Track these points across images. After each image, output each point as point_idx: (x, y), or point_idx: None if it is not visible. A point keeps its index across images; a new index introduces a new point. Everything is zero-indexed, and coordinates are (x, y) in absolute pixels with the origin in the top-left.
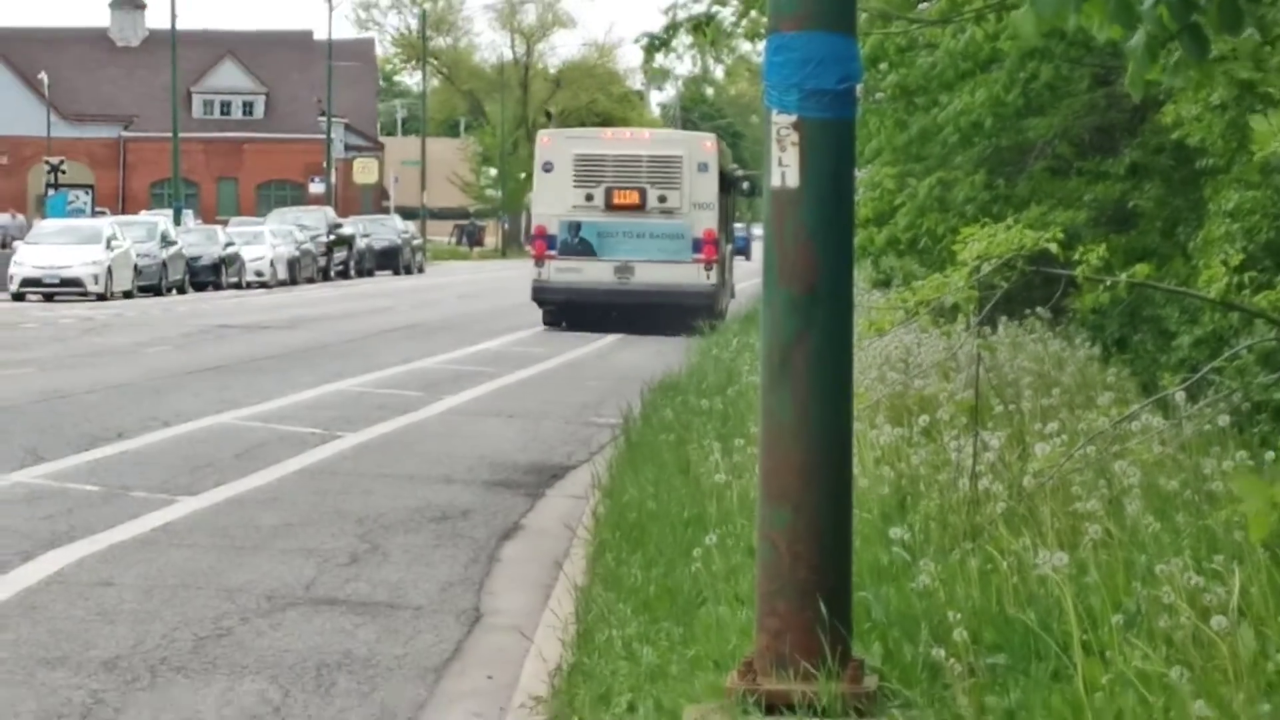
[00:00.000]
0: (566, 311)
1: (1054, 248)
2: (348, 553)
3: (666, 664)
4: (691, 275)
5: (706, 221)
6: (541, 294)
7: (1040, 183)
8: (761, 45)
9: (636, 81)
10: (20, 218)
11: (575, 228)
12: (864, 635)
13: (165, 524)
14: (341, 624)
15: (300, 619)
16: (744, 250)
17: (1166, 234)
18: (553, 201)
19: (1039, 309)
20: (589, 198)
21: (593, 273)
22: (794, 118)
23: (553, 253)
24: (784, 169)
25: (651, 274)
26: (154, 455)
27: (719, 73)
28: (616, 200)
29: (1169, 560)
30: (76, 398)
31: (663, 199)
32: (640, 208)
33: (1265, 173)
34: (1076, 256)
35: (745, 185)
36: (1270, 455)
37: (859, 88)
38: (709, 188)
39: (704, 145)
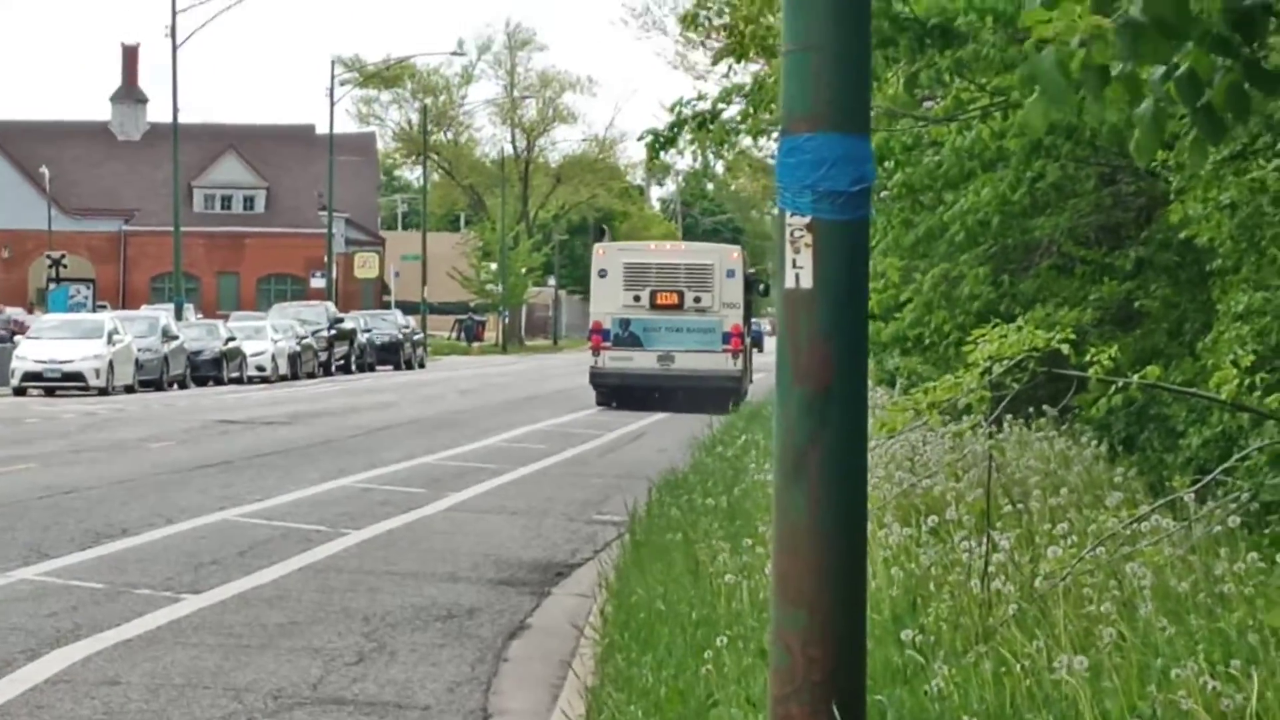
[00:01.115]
0: (618, 393)
1: (1065, 349)
2: (354, 651)
3: None
4: (722, 363)
5: (734, 318)
6: (597, 378)
7: (1046, 281)
8: (764, 142)
9: (637, 176)
10: (8, 310)
11: (625, 323)
12: None
13: (171, 622)
14: None
15: (308, 719)
16: (758, 342)
17: (1173, 334)
18: (606, 302)
19: (1045, 408)
20: (636, 299)
21: (640, 361)
22: (808, 219)
23: (607, 344)
24: (798, 270)
25: (689, 361)
26: (158, 552)
27: (719, 168)
28: (659, 301)
29: (1184, 664)
30: (80, 493)
31: (698, 299)
32: (679, 307)
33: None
34: (1088, 358)
35: (761, 287)
36: None
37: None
38: (735, 290)
39: (731, 255)
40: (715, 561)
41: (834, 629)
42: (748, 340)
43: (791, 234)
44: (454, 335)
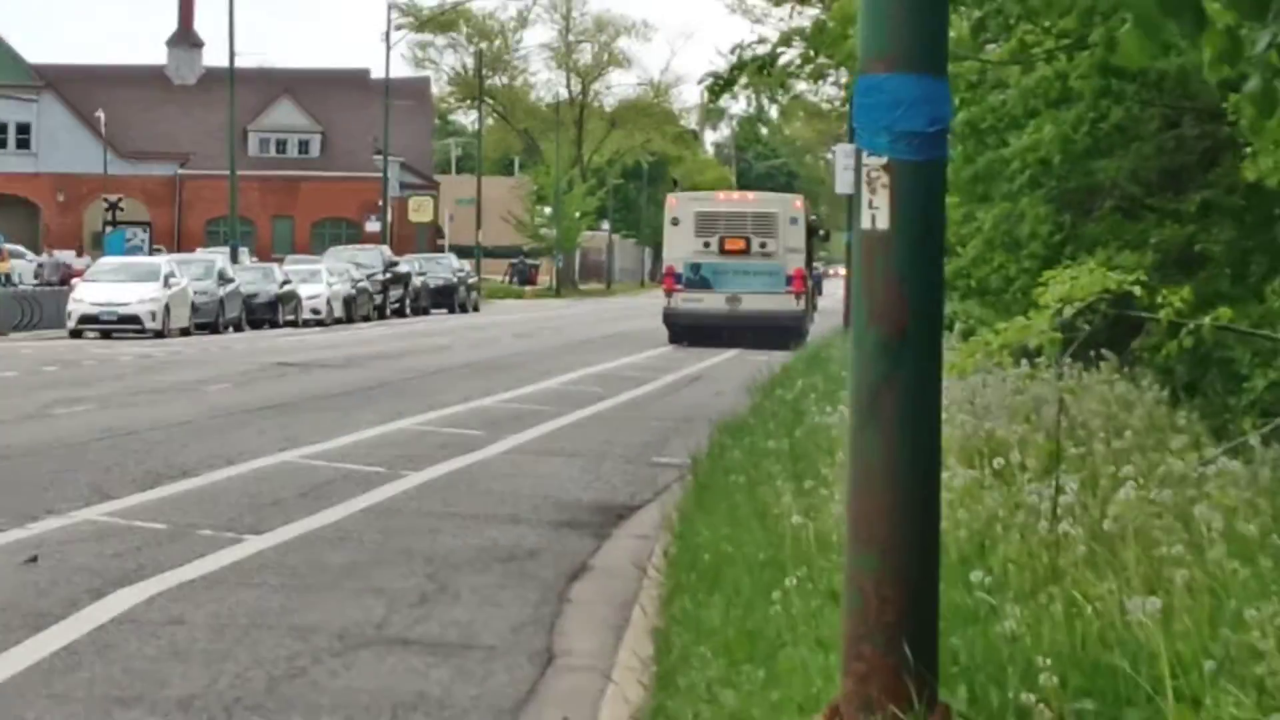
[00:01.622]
0: (689, 332)
1: (1138, 291)
2: (417, 592)
3: (749, 708)
4: (786, 303)
5: (796, 262)
6: (670, 318)
7: (1109, 224)
8: (821, 87)
9: (692, 121)
10: (57, 254)
11: (696, 268)
12: (949, 680)
13: (234, 563)
14: (414, 664)
15: (373, 659)
16: (818, 286)
17: (1236, 277)
18: (679, 247)
19: (1104, 352)
20: (707, 245)
21: (710, 302)
22: (884, 160)
23: (680, 287)
24: (874, 211)
25: (755, 302)
26: (219, 493)
27: (774, 113)
28: (728, 246)
29: (1258, 605)
30: (139, 435)
31: (763, 245)
32: (746, 252)
33: None
34: (1159, 300)
35: (822, 233)
36: None
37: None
38: (798, 237)
39: (794, 204)
40: (779, 503)
41: (907, 570)
42: (810, 283)
43: (868, 174)
44: (507, 279)
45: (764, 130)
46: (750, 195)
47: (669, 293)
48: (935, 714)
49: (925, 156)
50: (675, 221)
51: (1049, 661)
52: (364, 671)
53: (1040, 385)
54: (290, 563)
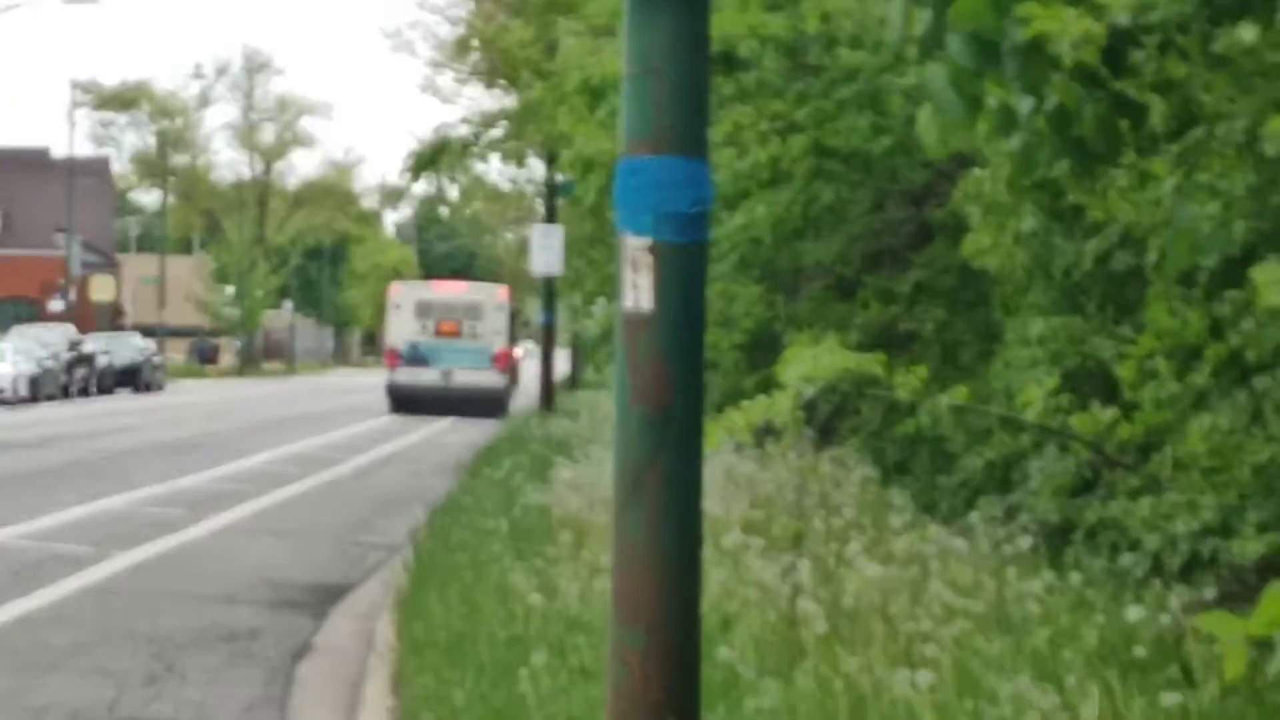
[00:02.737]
0: (408, 402)
1: (879, 370)
2: (144, 673)
3: None
4: (491, 378)
5: (500, 343)
6: (392, 390)
7: (817, 304)
8: (509, 168)
9: (373, 201)
10: None
11: (415, 346)
12: None
13: None
14: None
15: None
16: (516, 366)
17: (946, 358)
18: (401, 329)
19: (804, 430)
20: (424, 327)
21: (427, 376)
22: (649, 241)
23: (400, 363)
24: (637, 291)
25: (465, 377)
26: None
27: (454, 193)
28: (442, 329)
29: (1012, 678)
30: None
31: (472, 328)
32: (458, 334)
33: (1069, 295)
34: (896, 380)
35: (524, 320)
36: (1076, 576)
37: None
38: (502, 321)
39: (499, 294)
40: (511, 581)
41: (671, 646)
42: (513, 360)
43: (632, 255)
44: (189, 358)
45: (444, 210)
46: (462, 285)
47: (392, 368)
48: None
49: (688, 238)
50: (398, 306)
51: None
52: None
53: (746, 464)
54: (13, 644)
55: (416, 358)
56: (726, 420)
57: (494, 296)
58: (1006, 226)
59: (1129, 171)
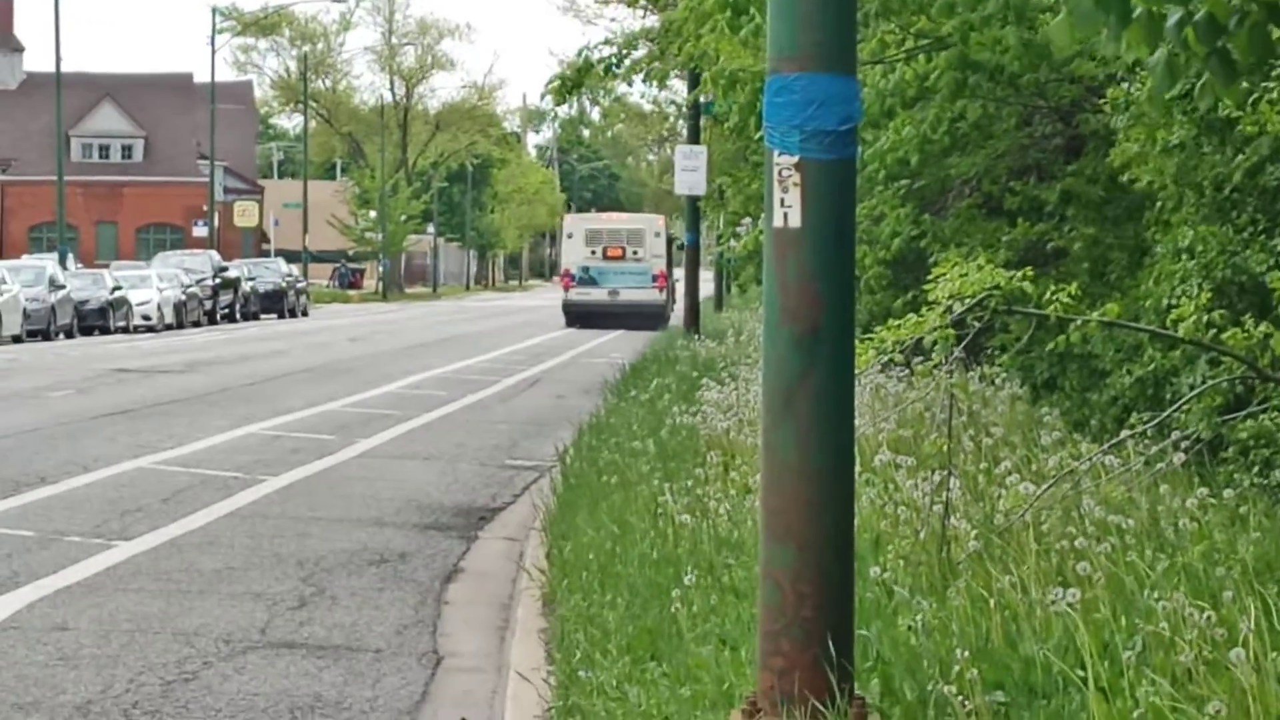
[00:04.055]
0: (580, 318)
1: (1029, 288)
2: (295, 596)
3: (660, 705)
4: (652, 295)
5: (659, 265)
6: (568, 307)
7: (965, 221)
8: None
9: (514, 124)
10: None
11: (586, 269)
12: (862, 674)
13: (107, 568)
14: (305, 667)
15: (262, 662)
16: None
17: (1094, 273)
18: (573, 255)
19: (955, 350)
20: (593, 253)
21: (596, 294)
22: (796, 158)
23: (574, 284)
24: (786, 209)
25: (630, 294)
26: (81, 500)
27: (595, 115)
28: (609, 253)
29: (1168, 595)
30: None
31: (635, 252)
32: (623, 257)
33: (1220, 209)
34: (1048, 296)
35: (678, 244)
36: (1230, 493)
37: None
38: (660, 246)
39: (658, 222)
40: (662, 502)
41: (824, 565)
42: (670, 281)
43: (779, 173)
44: (331, 283)
45: (585, 133)
46: (625, 215)
47: (566, 289)
48: (852, 707)
49: (836, 155)
50: (570, 235)
51: (964, 654)
52: (255, 675)
53: (894, 383)
54: (164, 568)
55: (587, 279)
56: (876, 339)
57: (654, 224)
58: (1156, 138)
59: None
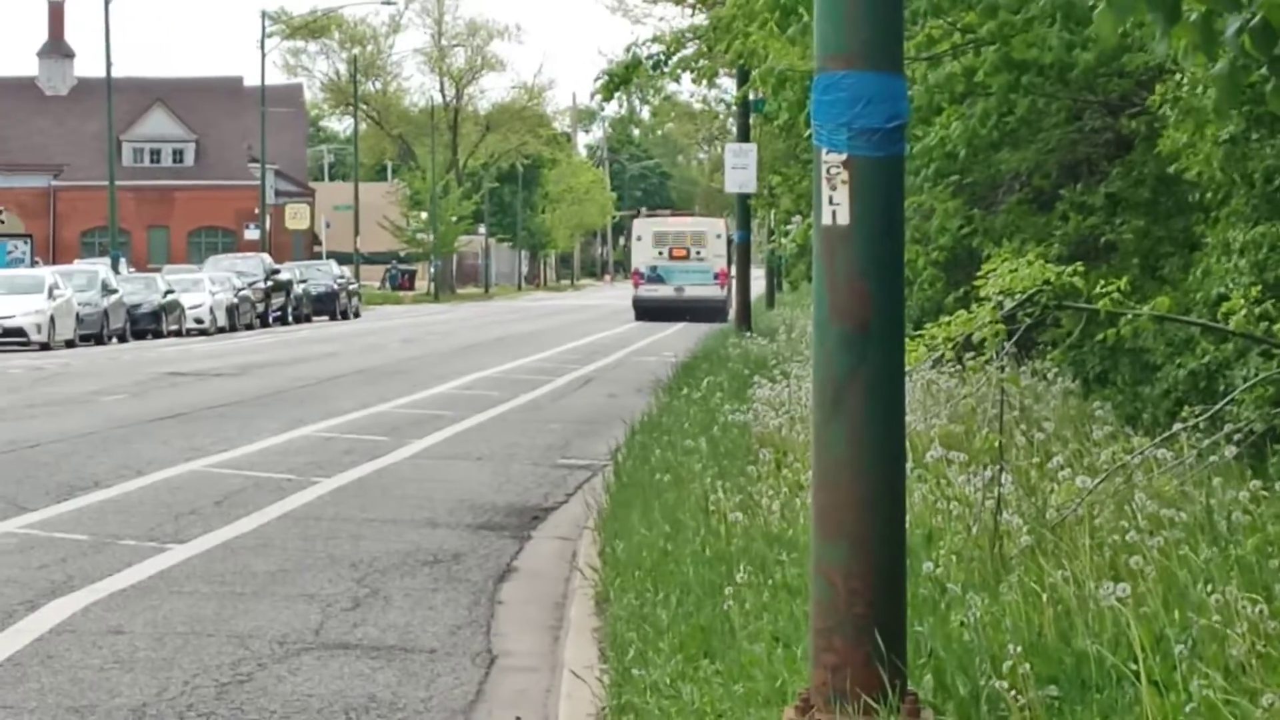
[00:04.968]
0: (649, 312)
1: (1079, 283)
2: (349, 597)
3: (715, 702)
4: (714, 291)
5: (720, 264)
6: (638, 303)
7: (1015, 217)
8: (701, 89)
9: (564, 124)
10: None
11: (654, 268)
12: (914, 670)
13: (161, 571)
14: (359, 668)
15: (316, 664)
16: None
17: (1144, 267)
18: (642, 255)
19: (1006, 345)
20: (660, 253)
21: (663, 291)
22: (844, 156)
23: (643, 281)
24: (835, 207)
25: (694, 291)
26: (134, 504)
27: (645, 115)
28: (675, 253)
29: (1221, 588)
30: (45, 447)
31: (698, 252)
32: (687, 257)
33: (1271, 202)
34: (1098, 290)
35: (734, 242)
36: None
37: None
38: (721, 246)
39: (719, 224)
40: (714, 500)
41: (875, 561)
42: (730, 278)
43: (828, 171)
44: (383, 285)
45: (635, 132)
46: (688, 219)
47: (635, 286)
48: (905, 703)
49: (884, 153)
50: (639, 237)
51: (1020, 649)
52: (310, 676)
53: (945, 379)
54: (218, 570)
55: (655, 277)
56: (927, 336)
57: (715, 226)
58: (1206, 132)
59: None
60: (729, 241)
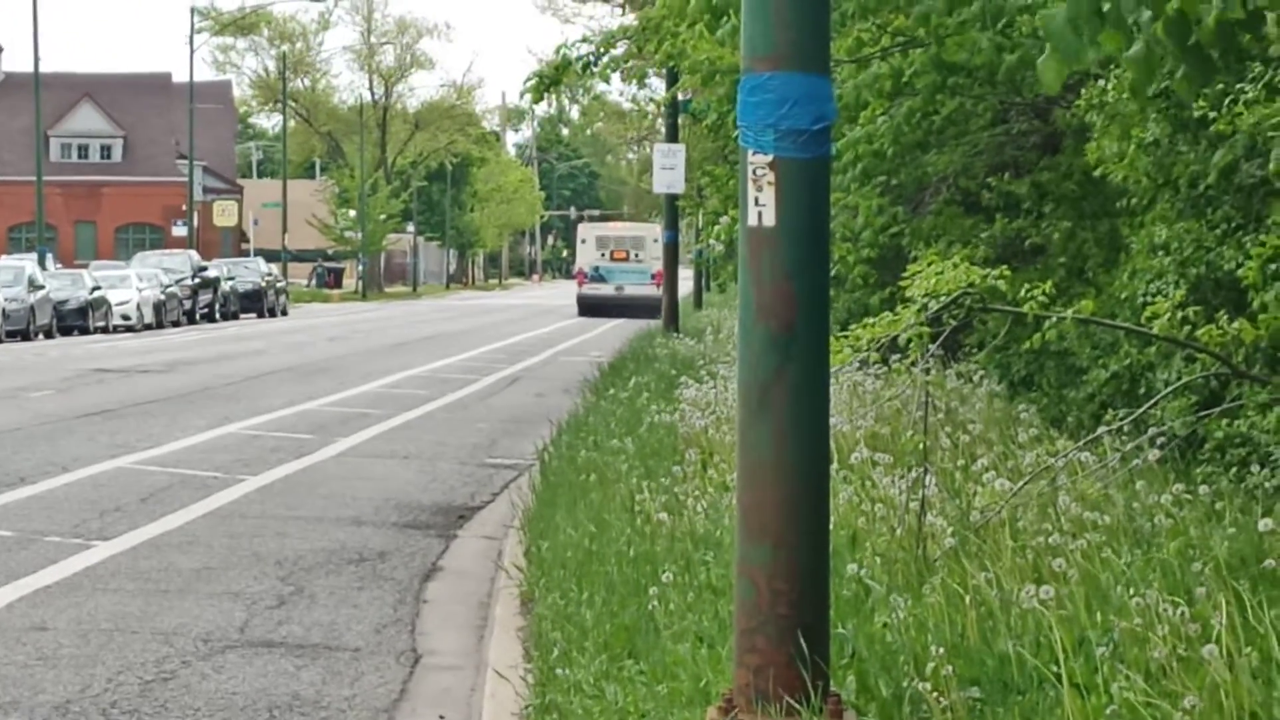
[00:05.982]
0: (592, 309)
1: (1003, 286)
2: (274, 595)
3: (638, 702)
4: (651, 290)
5: (657, 265)
6: (581, 299)
7: (943, 218)
8: (630, 88)
9: (493, 123)
10: None
11: (597, 268)
12: (837, 671)
13: (86, 568)
14: (283, 666)
15: (241, 661)
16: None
17: (1071, 270)
18: (586, 257)
19: (930, 347)
20: (603, 255)
21: (605, 290)
22: (770, 157)
23: (587, 280)
24: (760, 208)
25: (632, 290)
26: (59, 500)
27: (574, 114)
28: (615, 255)
29: (1143, 591)
30: None
31: (637, 255)
32: (627, 259)
33: (1195, 206)
34: (1024, 294)
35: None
36: (1205, 489)
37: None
38: (658, 249)
39: (656, 230)
40: (639, 500)
41: (799, 562)
42: (666, 279)
43: (754, 172)
44: (310, 283)
45: (564, 131)
46: (629, 225)
47: (580, 284)
48: (828, 704)
49: (811, 154)
50: (584, 241)
51: (944, 651)
52: (234, 674)
53: (871, 380)
54: (143, 568)
55: (598, 276)
56: (851, 336)
57: (653, 232)
58: (1131, 135)
59: (1253, 85)
60: (665, 246)
